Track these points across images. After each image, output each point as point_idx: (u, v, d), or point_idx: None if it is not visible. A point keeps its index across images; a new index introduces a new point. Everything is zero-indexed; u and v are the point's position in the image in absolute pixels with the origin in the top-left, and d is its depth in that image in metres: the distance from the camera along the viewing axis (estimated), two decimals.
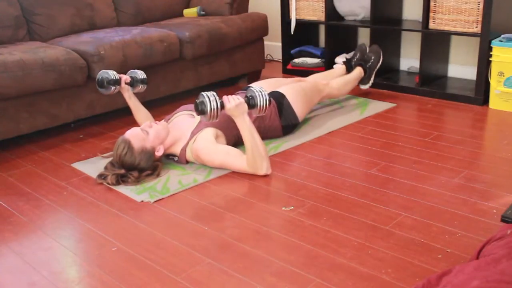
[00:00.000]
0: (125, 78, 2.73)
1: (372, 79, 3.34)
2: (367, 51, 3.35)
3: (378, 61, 3.31)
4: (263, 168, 2.33)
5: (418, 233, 1.85)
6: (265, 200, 2.15)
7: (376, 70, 3.34)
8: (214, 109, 2.22)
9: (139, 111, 2.80)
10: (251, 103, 2.32)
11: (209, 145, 2.39)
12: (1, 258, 1.84)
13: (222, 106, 2.26)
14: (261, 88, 2.35)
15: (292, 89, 2.84)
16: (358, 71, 3.26)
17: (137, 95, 2.80)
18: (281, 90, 2.83)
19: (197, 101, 2.25)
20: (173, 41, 3.27)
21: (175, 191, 2.26)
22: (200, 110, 2.25)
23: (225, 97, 2.29)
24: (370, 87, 3.39)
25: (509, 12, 3.26)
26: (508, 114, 3.04)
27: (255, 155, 2.30)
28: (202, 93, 2.26)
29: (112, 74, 2.69)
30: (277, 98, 2.76)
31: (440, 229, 1.87)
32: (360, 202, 2.09)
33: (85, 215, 2.11)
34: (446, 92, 3.37)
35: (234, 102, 2.26)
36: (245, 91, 2.86)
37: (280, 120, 2.73)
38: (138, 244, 1.88)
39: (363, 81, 3.32)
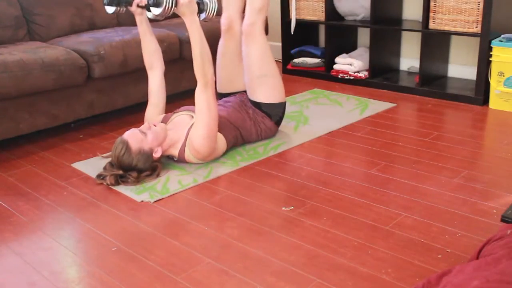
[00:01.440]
0: (140, 0, 2.48)
1: None
2: None
3: None
4: (210, 72, 2.38)
5: (418, 233, 1.85)
6: (265, 200, 2.15)
7: None
8: (169, 2, 2.25)
9: (147, 43, 2.67)
10: (200, 7, 2.38)
11: (198, 135, 2.40)
12: (1, 258, 1.84)
13: (176, 3, 2.29)
14: None
15: (260, 87, 2.70)
16: None
17: (135, 95, 2.77)
18: (253, 97, 2.73)
19: None
20: (173, 41, 3.27)
21: (175, 191, 2.26)
22: (156, 2, 2.25)
23: None
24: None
25: (509, 12, 3.26)
26: (508, 114, 3.04)
27: (204, 57, 2.35)
28: None
29: None
30: (256, 106, 2.72)
31: (440, 229, 1.87)
32: (360, 202, 2.09)
33: (85, 215, 2.11)
34: (446, 92, 3.37)
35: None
36: (243, 93, 2.86)
37: (271, 119, 2.73)
38: (138, 244, 1.88)
39: None
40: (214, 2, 2.38)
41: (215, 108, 2.40)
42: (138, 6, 2.51)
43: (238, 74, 2.82)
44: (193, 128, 2.43)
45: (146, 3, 2.47)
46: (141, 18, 2.61)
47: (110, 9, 2.55)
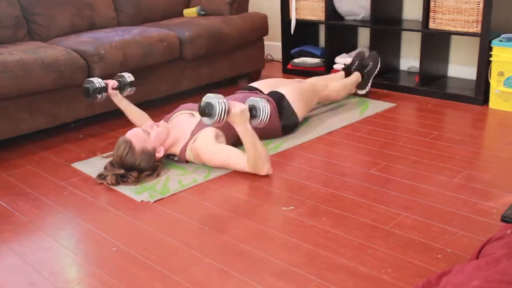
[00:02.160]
0: (112, 83, 2.73)
1: (369, 84, 3.40)
2: (366, 57, 3.39)
3: (376, 67, 3.37)
4: (264, 169, 2.33)
5: (418, 233, 1.85)
6: (265, 200, 2.15)
7: (373, 76, 3.39)
8: (221, 113, 2.14)
9: (131, 112, 2.81)
10: (252, 114, 2.28)
11: (209, 145, 2.39)
12: (1, 258, 1.84)
13: (228, 111, 2.20)
14: (265, 100, 2.33)
15: (292, 89, 2.85)
16: (356, 76, 3.31)
17: (135, 95, 2.80)
18: (280, 90, 2.83)
19: (205, 101, 2.16)
20: (173, 41, 3.27)
21: (175, 191, 2.26)
22: (207, 113, 2.15)
23: (231, 103, 2.24)
24: (368, 92, 3.43)
25: (509, 12, 3.26)
26: (508, 114, 3.04)
27: (256, 160, 2.31)
28: (210, 94, 2.16)
29: (97, 82, 2.68)
30: (277, 98, 2.76)
31: (440, 229, 1.87)
32: (360, 202, 2.09)
33: (85, 215, 2.11)
34: (446, 92, 3.37)
35: (239, 108, 2.22)
36: (245, 91, 2.86)
37: (280, 120, 2.73)
38: (138, 244, 1.88)
39: (360, 86, 3.37)
40: (267, 109, 2.27)
41: (235, 164, 2.39)
42: (112, 89, 2.73)
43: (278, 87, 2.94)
44: (205, 143, 2.40)
45: (117, 84, 2.73)
46: (118, 98, 2.77)
47: (91, 101, 2.72)
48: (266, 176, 2.35)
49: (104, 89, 2.71)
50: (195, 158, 2.46)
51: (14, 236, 1.97)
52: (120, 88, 2.76)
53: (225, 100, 2.18)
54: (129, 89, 2.77)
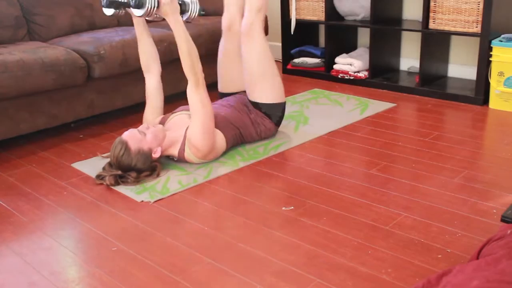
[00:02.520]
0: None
1: None
2: None
3: None
4: (200, 68, 2.38)
5: (418, 233, 1.85)
6: (265, 200, 2.15)
7: None
8: (152, 2, 2.26)
9: (143, 44, 2.66)
10: (182, 8, 2.40)
11: (195, 132, 2.41)
12: (1, 258, 1.84)
13: (158, 4, 2.31)
14: None
15: (259, 87, 2.70)
16: None
17: (135, 95, 2.78)
18: (252, 98, 2.73)
19: None
20: (173, 40, 3.25)
21: (175, 191, 2.26)
22: (138, 4, 2.26)
23: None
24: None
25: (509, 12, 3.26)
26: (508, 114, 3.04)
27: (192, 56, 2.35)
28: None
29: None
30: (256, 107, 2.72)
31: (440, 229, 1.87)
32: (360, 202, 2.09)
33: (85, 215, 2.11)
34: (446, 92, 3.37)
35: None
36: (241, 93, 2.85)
37: (271, 120, 2.73)
38: (138, 244, 1.88)
39: None
40: (196, 2, 2.41)
41: (209, 105, 2.41)
42: None
43: (239, 74, 2.82)
44: (190, 127, 2.43)
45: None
46: (139, 20, 2.61)
47: (108, 12, 2.55)
48: (266, 176, 2.35)
49: (125, 4, 2.47)
50: (194, 154, 2.45)
51: (14, 236, 1.97)
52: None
53: None
54: (157, 15, 2.48)
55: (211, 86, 3.70)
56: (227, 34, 2.81)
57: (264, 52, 2.67)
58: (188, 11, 2.42)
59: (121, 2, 2.51)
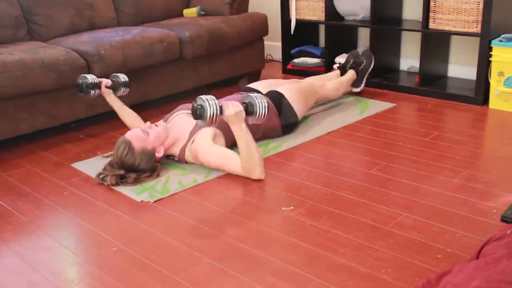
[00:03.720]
0: (106, 82, 2.74)
1: (364, 82, 3.43)
2: (360, 54, 3.41)
3: (370, 65, 3.40)
4: (256, 173, 2.30)
5: (418, 233, 1.85)
6: (265, 200, 2.15)
7: (368, 73, 3.42)
8: (213, 115, 2.16)
9: (124, 113, 2.82)
10: (249, 110, 2.28)
11: (206, 145, 2.38)
12: (1, 258, 1.84)
13: (221, 112, 2.22)
14: (261, 95, 2.33)
15: (291, 89, 2.85)
16: (351, 74, 3.33)
17: (135, 95, 2.80)
18: (279, 89, 2.84)
19: (195, 104, 2.18)
20: (173, 41, 3.27)
21: (175, 191, 2.26)
22: (199, 115, 2.18)
23: (224, 103, 2.25)
24: (362, 90, 3.46)
25: (509, 12, 3.26)
26: (508, 114, 3.04)
27: (248, 162, 2.28)
28: (201, 96, 2.19)
29: (91, 78, 2.70)
30: (276, 97, 2.76)
31: (440, 229, 1.87)
32: (360, 202, 2.09)
33: (85, 215, 2.11)
34: (446, 92, 3.37)
35: (233, 110, 2.22)
36: (243, 93, 2.86)
37: (280, 120, 2.74)
38: (138, 244, 1.88)
39: (355, 83, 3.40)
40: (264, 103, 2.27)
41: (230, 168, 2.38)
42: (106, 87, 2.74)
43: (276, 86, 2.95)
44: (204, 145, 2.39)
45: (111, 83, 2.73)
46: (111, 97, 2.78)
47: (84, 96, 2.73)
48: (266, 176, 2.35)
49: (98, 85, 2.72)
50: (194, 159, 2.45)
51: (14, 236, 1.97)
52: (114, 87, 2.77)
53: (216, 102, 2.20)
54: (122, 89, 2.77)
55: (214, 85, 3.71)
56: (317, 87, 3.06)
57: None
58: (255, 113, 2.27)
59: (95, 83, 2.69)
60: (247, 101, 2.30)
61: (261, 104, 2.28)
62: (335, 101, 3.35)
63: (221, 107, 2.22)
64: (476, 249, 1.39)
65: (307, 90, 2.94)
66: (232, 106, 2.23)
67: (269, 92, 2.82)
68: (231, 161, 2.34)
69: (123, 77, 2.78)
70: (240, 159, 2.30)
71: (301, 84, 2.97)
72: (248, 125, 2.64)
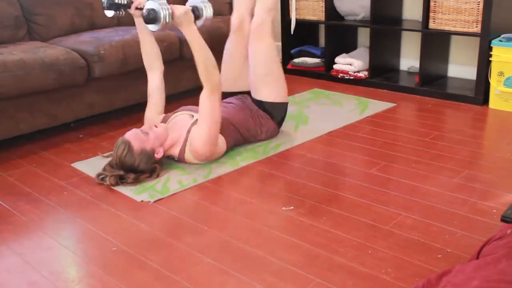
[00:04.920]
0: (138, 3, 2.49)
1: None
2: None
3: None
4: (216, 73, 2.34)
5: (418, 233, 1.85)
6: (265, 200, 2.15)
7: None
8: (166, 17, 2.18)
9: (145, 41, 2.67)
10: (196, 14, 2.34)
11: (199, 136, 2.40)
12: (1, 258, 1.84)
13: (172, 15, 2.26)
14: (204, 0, 2.38)
15: (264, 86, 2.72)
16: None
17: (134, 95, 2.78)
18: (257, 95, 2.74)
19: (147, 8, 2.18)
20: (173, 41, 3.27)
21: (175, 191, 2.26)
22: (152, 19, 2.19)
23: (172, 5, 2.27)
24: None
25: (509, 12, 3.26)
26: (508, 114, 3.04)
27: (207, 65, 2.31)
28: (150, 1, 2.20)
29: None
30: (259, 106, 2.72)
31: (440, 229, 1.87)
32: (360, 202, 2.09)
33: (85, 215, 2.11)
34: (446, 92, 3.37)
35: (182, 9, 2.27)
36: (240, 96, 2.85)
37: (273, 120, 2.74)
38: (138, 244, 1.88)
39: None
40: (209, 7, 2.35)
41: (219, 114, 2.41)
42: (136, 8, 2.53)
43: (244, 74, 2.83)
44: (195, 130, 2.42)
45: (145, 5, 2.49)
46: (140, 20, 2.60)
47: (109, 13, 2.57)
48: (266, 176, 2.35)
49: (125, 6, 2.52)
50: (194, 157, 2.45)
51: (14, 236, 1.97)
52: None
53: (168, 6, 2.23)
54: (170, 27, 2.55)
55: None
56: (236, 34, 2.82)
57: (271, 53, 2.71)
58: (202, 16, 2.37)
59: (121, 4, 2.51)
60: (192, 5, 2.37)
61: (206, 7, 2.35)
62: (335, 100, 3.35)
63: (172, 9, 2.26)
64: (476, 249, 1.39)
65: (271, 69, 2.74)
66: (180, 7, 2.28)
67: (253, 100, 2.78)
68: (211, 113, 2.37)
69: (161, 3, 2.48)
70: (198, 65, 2.34)
71: (261, 69, 2.71)
72: (249, 130, 2.64)
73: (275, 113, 2.73)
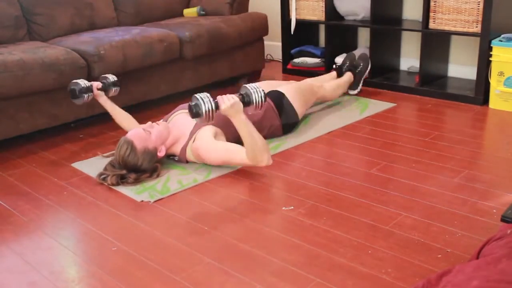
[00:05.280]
0: (96, 84, 2.73)
1: (360, 84, 3.46)
2: (356, 58, 3.45)
3: (367, 67, 3.44)
4: (264, 160, 2.28)
5: (418, 233, 1.85)
6: (265, 200, 2.15)
7: (364, 76, 3.46)
8: (209, 111, 2.18)
9: (118, 114, 2.79)
10: (246, 101, 2.28)
11: (209, 143, 2.39)
12: (1, 258, 1.84)
13: (217, 107, 2.23)
14: (256, 85, 2.33)
15: (291, 88, 2.87)
16: (348, 76, 3.36)
17: (135, 95, 2.79)
18: (280, 89, 2.84)
19: (191, 104, 2.21)
20: (173, 41, 3.27)
21: (175, 191, 2.26)
22: (195, 113, 2.20)
23: (219, 97, 2.25)
24: (359, 92, 3.47)
25: (509, 12, 3.26)
26: (508, 114, 3.04)
27: (255, 151, 2.27)
28: (196, 95, 2.21)
29: (82, 82, 2.69)
30: (277, 97, 2.76)
31: (440, 229, 1.87)
32: (360, 202, 2.09)
33: (85, 215, 2.11)
34: (446, 92, 3.37)
35: (229, 102, 2.23)
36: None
37: (280, 119, 2.74)
38: (138, 244, 1.88)
39: (352, 86, 3.43)
40: (260, 91, 2.27)
41: (237, 162, 2.38)
42: (98, 89, 2.72)
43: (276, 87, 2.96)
44: (206, 143, 2.40)
45: (101, 85, 2.72)
46: (103, 99, 2.76)
47: (78, 102, 2.71)
48: (266, 176, 2.35)
49: (90, 89, 2.70)
50: (195, 158, 2.46)
51: (14, 236, 1.97)
52: (105, 89, 2.75)
53: (210, 98, 2.21)
54: (113, 89, 2.75)
55: (212, 86, 3.70)
56: (316, 87, 3.06)
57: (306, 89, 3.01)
58: (252, 102, 2.28)
59: (87, 87, 2.68)
60: (242, 92, 2.31)
61: (257, 92, 2.28)
62: (334, 101, 3.35)
63: (216, 102, 2.23)
64: (476, 249, 1.39)
65: (306, 90, 2.95)
66: (227, 99, 2.24)
67: (269, 91, 2.82)
68: (237, 154, 2.33)
69: (112, 77, 2.76)
70: (246, 149, 2.29)
71: (300, 85, 2.98)
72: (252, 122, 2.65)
73: (285, 113, 2.76)
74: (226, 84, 3.85)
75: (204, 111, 2.18)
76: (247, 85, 2.33)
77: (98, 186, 2.35)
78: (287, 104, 2.77)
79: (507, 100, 3.09)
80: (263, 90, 2.31)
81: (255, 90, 2.29)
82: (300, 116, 2.86)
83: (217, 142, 2.40)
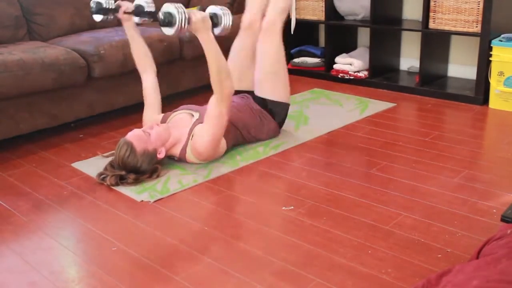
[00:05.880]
0: (126, 7, 2.57)
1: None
2: None
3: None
4: (228, 86, 2.32)
5: (418, 233, 1.85)
6: (265, 200, 2.15)
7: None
8: (182, 21, 2.11)
9: (137, 47, 2.70)
10: (214, 21, 2.26)
11: (202, 131, 2.41)
12: (1, 258, 1.84)
13: (189, 21, 2.18)
14: (224, 8, 2.32)
15: (265, 83, 2.75)
16: None
17: (134, 95, 2.77)
18: (260, 92, 2.76)
19: (163, 11, 2.12)
20: (173, 40, 3.27)
21: (175, 191, 2.26)
22: (167, 22, 2.12)
23: (190, 11, 2.21)
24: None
25: (509, 12, 3.26)
26: (508, 114, 3.04)
27: (221, 73, 2.29)
28: (168, 3, 2.14)
29: (105, 2, 2.56)
30: (262, 103, 2.73)
31: (440, 229, 1.87)
32: (360, 202, 2.09)
33: (85, 215, 2.11)
34: (446, 92, 3.37)
35: (200, 16, 2.21)
36: (242, 95, 2.85)
37: (275, 119, 2.74)
38: (138, 244, 1.88)
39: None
40: (229, 15, 2.27)
41: (225, 120, 2.41)
42: (124, 12, 2.59)
43: (249, 73, 2.84)
44: (199, 132, 2.42)
45: (132, 9, 2.54)
46: (129, 24, 2.66)
47: (97, 18, 2.62)
48: (266, 176, 2.35)
49: (113, 10, 2.55)
50: (196, 157, 2.45)
51: (14, 236, 1.97)
52: (137, 13, 2.56)
53: (184, 10, 2.17)
54: (146, 19, 2.56)
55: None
56: (246, 32, 2.84)
57: (280, 53, 2.73)
58: (220, 24, 2.28)
59: (109, 8, 2.53)
60: (211, 13, 2.29)
61: (226, 15, 2.28)
62: (335, 100, 3.35)
63: (189, 15, 2.19)
64: (476, 249, 1.39)
65: (278, 68, 2.77)
66: (198, 13, 2.22)
67: (255, 98, 2.79)
68: (212, 109, 2.36)
69: (148, 6, 2.55)
70: (210, 71, 2.31)
71: (268, 65, 2.75)
72: (250, 130, 2.65)
73: (277, 112, 2.74)
74: None
75: (177, 21, 2.11)
76: (216, 7, 2.31)
77: (98, 186, 2.35)
78: (273, 104, 2.73)
79: (507, 100, 3.09)
80: (231, 16, 2.30)
81: (224, 14, 2.28)
82: (288, 97, 2.78)
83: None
